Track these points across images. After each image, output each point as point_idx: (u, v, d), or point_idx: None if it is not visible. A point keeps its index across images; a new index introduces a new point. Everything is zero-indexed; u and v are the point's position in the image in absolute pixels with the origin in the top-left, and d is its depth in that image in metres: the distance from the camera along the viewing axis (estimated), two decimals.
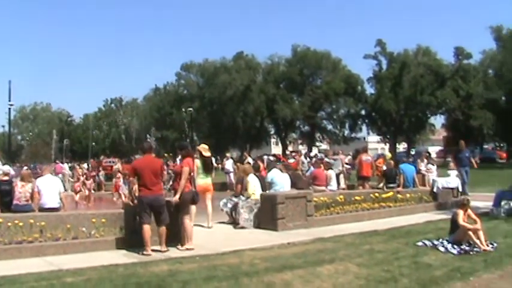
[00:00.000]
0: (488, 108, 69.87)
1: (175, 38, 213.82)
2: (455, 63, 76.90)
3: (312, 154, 41.24)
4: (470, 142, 75.01)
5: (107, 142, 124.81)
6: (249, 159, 34.90)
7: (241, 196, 16.96)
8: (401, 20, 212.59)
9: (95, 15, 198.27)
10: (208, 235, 14.76)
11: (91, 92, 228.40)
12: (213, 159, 21.49)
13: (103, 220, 13.04)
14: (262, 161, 28.45)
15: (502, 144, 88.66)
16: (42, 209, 14.40)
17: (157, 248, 12.19)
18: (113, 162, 51.64)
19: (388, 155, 29.63)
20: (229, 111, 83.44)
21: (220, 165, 44.89)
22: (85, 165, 47.04)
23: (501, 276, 9.98)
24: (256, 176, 17.76)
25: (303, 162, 32.34)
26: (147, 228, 12.03)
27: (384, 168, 23.40)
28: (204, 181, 16.39)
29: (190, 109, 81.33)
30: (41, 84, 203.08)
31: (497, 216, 17.58)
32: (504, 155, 76.51)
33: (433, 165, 25.12)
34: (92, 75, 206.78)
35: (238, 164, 29.04)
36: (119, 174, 28.71)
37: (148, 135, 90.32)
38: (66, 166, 48.03)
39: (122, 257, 11.72)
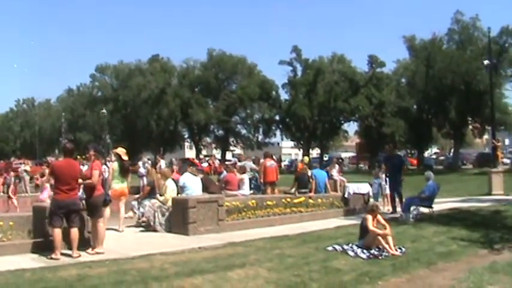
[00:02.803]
0: (401, 116, 71.10)
1: (90, 39, 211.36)
2: (369, 71, 77.88)
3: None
4: (383, 148, 76.59)
5: (18, 143, 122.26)
6: (162, 163, 34.73)
7: (154, 199, 16.88)
8: (318, 27, 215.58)
9: (6, 13, 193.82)
10: (119, 239, 14.66)
11: (1, 92, 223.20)
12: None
13: (10, 223, 12.76)
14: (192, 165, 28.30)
15: (413, 151, 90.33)
16: None
17: (68, 252, 11.99)
18: (23, 163, 50.68)
19: (306, 159, 29.81)
20: (143, 114, 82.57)
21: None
22: None
23: (408, 280, 10.18)
24: (174, 180, 17.75)
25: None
26: (58, 232, 11.81)
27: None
28: (120, 185, 16.27)
29: (104, 111, 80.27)
30: None
31: (406, 222, 17.99)
32: (415, 162, 78.00)
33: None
34: (3, 75, 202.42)
35: (150, 167, 28.82)
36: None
37: (61, 138, 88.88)
38: None
39: (30, 261, 11.47)
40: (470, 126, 72.47)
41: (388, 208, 21.48)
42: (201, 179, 18.81)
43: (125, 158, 16.68)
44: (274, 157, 29.38)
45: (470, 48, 62.00)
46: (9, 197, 28.46)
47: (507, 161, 64.31)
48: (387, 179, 22.20)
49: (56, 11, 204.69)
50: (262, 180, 24.10)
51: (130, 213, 18.07)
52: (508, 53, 62.35)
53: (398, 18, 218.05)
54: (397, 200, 21.16)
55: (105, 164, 18.05)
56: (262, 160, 25.19)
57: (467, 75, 59.60)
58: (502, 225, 17.55)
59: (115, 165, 16.46)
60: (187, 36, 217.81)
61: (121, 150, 16.78)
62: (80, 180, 12.46)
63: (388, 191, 22.08)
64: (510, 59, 62.92)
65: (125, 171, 16.55)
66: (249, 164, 25.52)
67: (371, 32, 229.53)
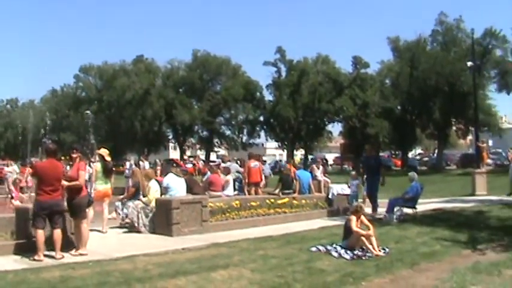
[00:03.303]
0: (385, 117, 71.33)
1: (74, 40, 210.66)
2: (353, 72, 78.14)
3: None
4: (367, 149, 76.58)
5: (2, 144, 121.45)
6: (146, 164, 34.64)
7: (137, 201, 16.84)
8: (302, 28, 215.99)
9: None
10: (103, 240, 14.58)
11: None
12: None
13: None
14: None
15: (397, 152, 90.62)
16: None
17: (51, 253, 11.91)
18: (5, 165, 50.33)
19: (297, 159, 29.80)
20: (127, 115, 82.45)
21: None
22: None
23: (392, 280, 10.19)
24: (157, 181, 17.72)
25: None
26: (41, 234, 11.72)
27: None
28: (103, 186, 16.23)
29: (88, 112, 79.93)
30: None
31: (389, 222, 18.01)
32: (399, 162, 78.24)
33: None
34: None
35: (135, 168, 28.73)
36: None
37: (45, 139, 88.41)
38: None
39: (13, 263, 11.40)
40: (454, 127, 72.79)
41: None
42: (185, 180, 18.79)
43: (108, 158, 16.65)
44: (262, 158, 29.45)
45: (454, 50, 62.29)
46: None
47: (490, 161, 64.62)
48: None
49: (40, 11, 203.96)
50: (246, 181, 24.07)
51: (114, 214, 18.00)
52: (491, 55, 62.74)
53: (383, 20, 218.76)
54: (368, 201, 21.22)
55: (89, 165, 18.01)
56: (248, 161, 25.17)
57: (451, 76, 59.88)
58: (486, 226, 17.60)
59: (98, 166, 16.41)
60: (171, 37, 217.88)
61: (104, 151, 16.74)
62: (66, 183, 12.40)
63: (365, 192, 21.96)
64: (493, 60, 63.32)
65: (108, 172, 16.52)
66: (234, 166, 25.50)
67: (355, 33, 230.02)
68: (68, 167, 16.29)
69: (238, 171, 25.05)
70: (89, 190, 13.47)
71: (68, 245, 12.43)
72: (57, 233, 11.95)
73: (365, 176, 21.57)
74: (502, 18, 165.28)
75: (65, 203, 12.50)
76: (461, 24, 63.22)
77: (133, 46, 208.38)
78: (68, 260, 11.66)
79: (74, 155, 13.00)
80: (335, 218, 19.53)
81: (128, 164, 37.74)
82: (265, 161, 36.10)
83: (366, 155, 24.19)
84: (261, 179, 24.66)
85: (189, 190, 18.51)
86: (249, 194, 22.83)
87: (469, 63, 44.34)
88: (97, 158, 17.21)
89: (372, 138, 71.83)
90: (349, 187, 22.85)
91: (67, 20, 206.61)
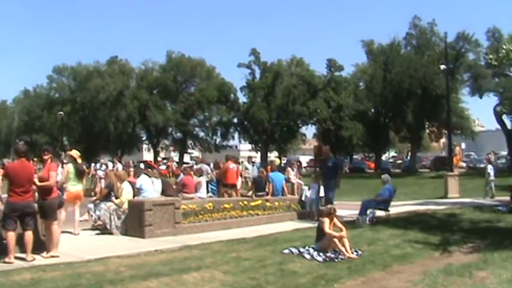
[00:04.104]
0: (358, 120, 71.69)
1: (48, 40, 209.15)
2: (328, 74, 78.27)
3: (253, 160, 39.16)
4: (340, 152, 77.10)
5: None
6: (119, 166, 34.51)
7: (110, 202, 16.75)
8: (277, 31, 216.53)
9: None
10: (75, 242, 14.49)
11: None
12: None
13: None
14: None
15: (370, 155, 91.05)
16: None
17: (22, 255, 11.79)
18: None
19: (277, 161, 29.55)
20: (101, 116, 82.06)
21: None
22: None
23: (364, 282, 10.25)
24: (130, 182, 17.65)
25: (246, 168, 31.35)
26: (11, 236, 11.57)
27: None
28: (75, 188, 16.13)
29: (61, 113, 79.39)
30: None
31: (362, 225, 18.07)
32: (372, 165, 78.60)
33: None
34: None
35: (108, 170, 28.59)
36: None
37: (17, 140, 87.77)
38: None
39: None
40: (427, 130, 73.15)
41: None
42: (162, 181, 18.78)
43: (79, 161, 16.55)
44: (238, 160, 29.40)
45: (428, 53, 62.52)
46: None
47: (463, 164, 65.17)
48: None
49: (12, 10, 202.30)
50: (225, 182, 24.05)
51: (86, 216, 17.92)
52: (464, 58, 63.12)
53: (357, 23, 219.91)
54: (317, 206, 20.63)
55: (62, 167, 17.88)
56: (225, 163, 25.09)
57: (425, 79, 60.12)
58: (458, 228, 17.75)
59: (70, 167, 16.28)
60: (146, 38, 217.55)
61: (75, 153, 16.64)
62: (38, 183, 12.29)
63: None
64: (466, 64, 63.72)
65: (80, 173, 16.42)
66: (205, 167, 25.44)
67: (330, 36, 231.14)
68: (40, 169, 16.15)
69: (208, 173, 25.00)
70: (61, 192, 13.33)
71: (40, 247, 12.29)
72: (29, 235, 11.82)
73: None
74: (474, 22, 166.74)
75: (36, 205, 12.39)
76: (435, 27, 63.58)
77: (108, 47, 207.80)
78: (39, 262, 11.55)
79: (45, 157, 12.86)
80: (308, 220, 19.54)
81: (98, 165, 37.66)
82: (254, 162, 35.78)
83: (324, 158, 22.59)
84: (237, 180, 24.69)
85: (162, 192, 18.49)
86: (227, 195, 22.81)
87: (442, 67, 44.72)
88: (66, 160, 17.07)
89: (346, 141, 72.15)
90: (309, 189, 22.63)
91: (40, 20, 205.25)
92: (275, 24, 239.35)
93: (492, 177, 29.61)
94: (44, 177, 12.50)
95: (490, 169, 30.04)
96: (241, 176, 26.92)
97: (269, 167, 25.56)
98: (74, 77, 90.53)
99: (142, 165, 35.84)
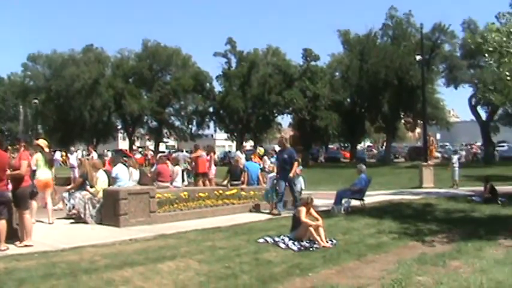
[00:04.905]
0: (334, 110, 71.73)
1: (22, 28, 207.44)
2: (304, 64, 78.14)
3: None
4: (316, 141, 77.34)
5: None
6: (94, 154, 34.35)
7: (85, 191, 16.68)
8: (253, 20, 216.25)
9: None
10: (49, 231, 14.38)
11: None
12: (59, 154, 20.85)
13: None
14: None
15: (346, 144, 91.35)
16: None
17: None
18: None
19: (261, 150, 29.25)
20: (76, 105, 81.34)
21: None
22: None
23: (338, 271, 10.26)
24: (105, 171, 17.57)
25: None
26: None
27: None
28: (45, 176, 16.01)
29: (36, 101, 78.77)
30: None
31: (337, 214, 18.14)
32: (348, 154, 78.99)
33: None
34: None
35: (83, 158, 28.45)
36: None
37: None
38: None
39: None
40: (403, 121, 73.66)
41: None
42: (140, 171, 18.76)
43: (47, 150, 16.46)
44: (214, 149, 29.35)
45: (404, 44, 62.82)
46: None
47: (438, 154, 65.61)
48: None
49: None
50: (196, 171, 24.06)
51: (61, 205, 17.84)
52: (440, 49, 63.57)
53: (334, 13, 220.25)
54: (275, 198, 19.46)
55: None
56: (195, 152, 25.07)
57: (401, 70, 60.42)
58: (432, 218, 17.88)
59: (39, 155, 16.15)
60: (122, 27, 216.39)
61: (42, 142, 16.53)
62: (8, 171, 12.18)
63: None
64: (442, 55, 64.21)
65: (49, 162, 16.33)
66: (182, 156, 25.43)
67: (306, 26, 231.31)
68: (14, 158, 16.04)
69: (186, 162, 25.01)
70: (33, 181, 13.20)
71: (13, 236, 12.21)
72: (2, 224, 11.69)
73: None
74: (451, 14, 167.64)
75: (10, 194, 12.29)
76: (411, 18, 63.98)
77: (83, 35, 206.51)
78: (12, 252, 11.47)
79: (19, 146, 12.79)
80: (283, 209, 19.52)
81: (74, 154, 37.46)
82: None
83: (281, 148, 21.05)
84: (209, 169, 24.71)
85: (137, 181, 18.45)
86: (198, 184, 22.80)
87: (418, 58, 45.01)
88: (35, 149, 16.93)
89: (322, 131, 72.29)
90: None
91: (14, 7, 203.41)
92: (251, 13, 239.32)
93: (456, 167, 30.13)
94: (16, 166, 12.42)
95: (455, 159, 30.61)
96: (215, 164, 26.95)
97: (254, 155, 25.56)
98: (49, 65, 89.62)
99: (110, 154, 35.73)
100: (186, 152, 27.08)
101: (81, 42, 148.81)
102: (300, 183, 21.75)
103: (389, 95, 63.82)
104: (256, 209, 19.86)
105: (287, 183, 19.32)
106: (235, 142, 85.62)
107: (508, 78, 17.71)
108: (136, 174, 18.98)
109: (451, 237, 14.00)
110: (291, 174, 19.19)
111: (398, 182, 34.56)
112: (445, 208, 20.39)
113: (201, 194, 18.64)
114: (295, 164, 19.54)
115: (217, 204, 18.84)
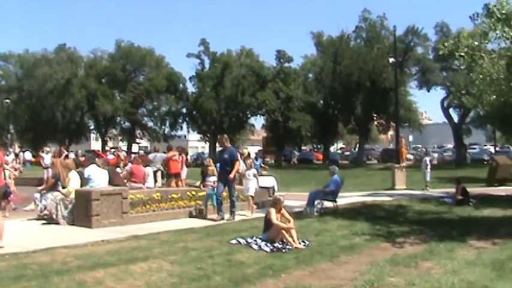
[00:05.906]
0: (307, 111, 72.13)
1: None
2: (277, 66, 78.42)
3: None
4: (289, 143, 77.57)
5: None
6: (71, 155, 34.19)
7: (56, 192, 16.57)
8: (227, 21, 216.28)
9: None
10: (20, 232, 14.25)
11: None
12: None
13: None
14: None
15: (319, 146, 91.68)
16: None
17: None
18: None
19: (246, 151, 28.93)
20: (48, 105, 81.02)
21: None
22: None
23: (311, 272, 10.25)
24: (78, 172, 17.45)
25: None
26: None
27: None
28: None
29: (7, 101, 78.17)
30: None
31: (310, 215, 18.14)
32: (321, 156, 79.26)
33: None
34: None
35: (55, 159, 28.28)
36: None
37: None
38: None
39: None
40: (376, 123, 74.08)
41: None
42: (108, 171, 18.59)
43: None
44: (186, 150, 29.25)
45: (377, 46, 63.24)
46: None
47: (410, 156, 66.06)
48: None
49: None
50: (168, 172, 24.00)
51: (32, 206, 17.71)
52: (412, 52, 64.12)
53: (307, 14, 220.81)
54: (215, 202, 18.47)
55: (7, 155, 17.64)
56: (171, 153, 24.99)
57: (374, 72, 60.81)
58: (405, 220, 17.98)
59: None
60: (95, 27, 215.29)
61: None
62: None
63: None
64: (415, 57, 64.73)
65: None
66: (159, 157, 25.36)
67: (279, 27, 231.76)
68: None
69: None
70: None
71: None
72: None
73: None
74: (424, 17, 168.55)
75: None
76: (385, 21, 64.54)
77: (56, 34, 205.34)
78: None
79: None
80: (256, 210, 19.52)
81: (45, 155, 37.17)
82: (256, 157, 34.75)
83: (222, 148, 19.69)
84: (181, 170, 24.62)
85: (110, 181, 18.32)
86: (170, 185, 22.74)
87: (391, 60, 45.35)
88: None
89: (295, 132, 72.52)
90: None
91: None
92: (225, 14, 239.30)
93: (428, 169, 30.46)
94: None
95: (427, 161, 30.94)
96: (187, 166, 26.90)
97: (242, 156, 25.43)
98: (21, 64, 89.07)
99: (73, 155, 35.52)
100: (163, 152, 26.88)
101: (53, 41, 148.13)
102: (274, 183, 21.85)
103: (362, 97, 64.21)
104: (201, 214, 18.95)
105: (227, 186, 18.34)
106: (208, 143, 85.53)
107: (480, 81, 17.86)
108: (105, 174, 18.87)
109: (423, 238, 14.07)
110: (231, 175, 18.19)
111: (371, 184, 34.69)
112: (417, 210, 20.51)
113: (173, 195, 18.58)
114: (237, 163, 18.64)
115: (190, 205, 18.78)
